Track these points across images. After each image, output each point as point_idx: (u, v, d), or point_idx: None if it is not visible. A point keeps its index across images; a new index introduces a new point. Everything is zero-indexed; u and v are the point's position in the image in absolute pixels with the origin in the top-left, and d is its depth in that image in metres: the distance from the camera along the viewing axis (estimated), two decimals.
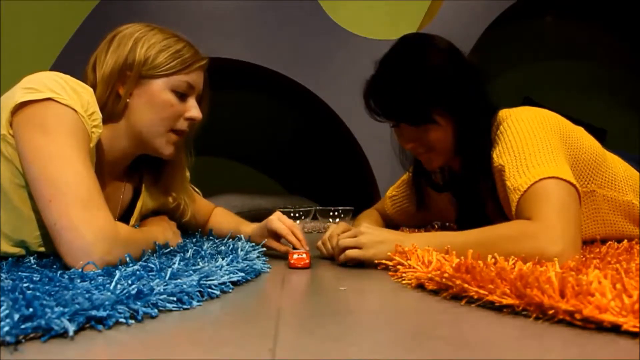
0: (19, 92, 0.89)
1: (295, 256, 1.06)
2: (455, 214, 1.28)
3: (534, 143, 0.97)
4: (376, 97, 1.11)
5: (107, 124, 1.00)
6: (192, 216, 1.31)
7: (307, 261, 1.04)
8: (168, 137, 1.06)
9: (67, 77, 0.94)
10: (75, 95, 0.91)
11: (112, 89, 1.01)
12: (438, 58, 1.08)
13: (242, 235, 1.24)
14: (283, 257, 1.17)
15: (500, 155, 1.00)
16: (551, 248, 0.82)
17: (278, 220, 1.16)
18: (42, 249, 0.97)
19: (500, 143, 1.02)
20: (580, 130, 1.09)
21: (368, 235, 0.97)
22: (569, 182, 0.91)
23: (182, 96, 1.05)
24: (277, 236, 1.18)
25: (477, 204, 1.17)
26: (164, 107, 1.03)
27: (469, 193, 1.19)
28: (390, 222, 1.48)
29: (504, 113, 1.08)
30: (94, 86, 1.01)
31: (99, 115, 0.95)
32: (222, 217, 1.38)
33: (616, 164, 1.14)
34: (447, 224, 1.49)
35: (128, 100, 1.02)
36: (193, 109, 1.06)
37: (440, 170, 1.26)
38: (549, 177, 0.90)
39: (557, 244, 0.83)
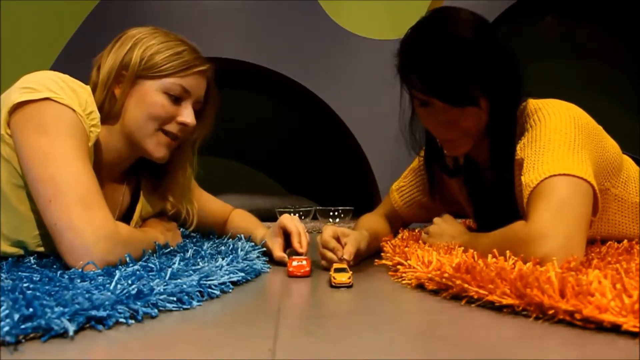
0: (16, 92, 0.88)
1: (294, 263, 0.97)
2: (470, 205, 1.24)
3: (558, 139, 0.94)
4: (422, 73, 1.00)
5: (104, 125, 0.99)
6: (205, 220, 1.28)
7: (308, 269, 0.96)
8: (158, 139, 1.03)
9: (65, 76, 0.94)
10: (74, 94, 0.91)
11: (108, 90, 1.01)
12: (486, 36, 1.00)
13: (242, 235, 1.23)
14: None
15: (523, 149, 0.97)
16: (538, 250, 0.81)
17: (290, 218, 1.13)
18: (41, 249, 0.97)
19: (526, 136, 0.99)
20: (602, 130, 1.07)
21: (435, 226, 1.10)
22: (583, 179, 0.88)
23: (176, 99, 1.02)
24: (284, 235, 1.13)
25: (494, 195, 1.13)
26: (153, 106, 1.00)
27: (487, 182, 1.15)
28: (395, 223, 1.37)
29: (535, 104, 1.03)
30: (95, 86, 1.01)
31: (97, 114, 0.95)
32: (238, 221, 1.32)
33: (628, 166, 1.13)
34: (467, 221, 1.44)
35: (124, 101, 1.01)
36: (186, 114, 1.03)
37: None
38: (560, 174, 0.87)
39: (543, 246, 0.81)
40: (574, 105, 1.04)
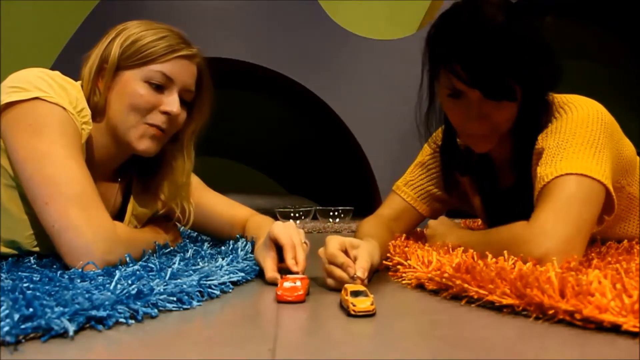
0: (4, 92, 0.87)
1: (286, 284, 0.76)
2: (480, 204, 1.20)
3: (582, 134, 0.92)
4: (466, 61, 0.92)
5: (93, 122, 0.96)
6: (206, 221, 1.20)
7: (302, 292, 0.74)
8: (143, 131, 0.97)
9: (54, 73, 0.92)
10: (63, 92, 0.90)
11: (92, 84, 0.97)
12: (530, 26, 0.96)
13: (239, 235, 1.21)
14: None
15: (545, 138, 0.95)
16: (536, 249, 0.80)
17: (283, 227, 0.91)
18: (36, 249, 0.96)
19: (550, 126, 0.97)
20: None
21: (429, 229, 1.11)
22: (599, 181, 0.86)
23: (158, 88, 0.97)
24: (277, 248, 0.92)
25: (506, 195, 1.11)
26: (132, 96, 0.95)
27: (502, 182, 1.12)
28: (405, 221, 1.24)
29: (560, 98, 1.02)
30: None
31: (88, 111, 0.93)
32: (252, 229, 1.15)
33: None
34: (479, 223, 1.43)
35: (107, 95, 0.97)
36: (169, 103, 0.97)
37: (464, 151, 1.14)
38: (575, 174, 0.86)
39: (541, 246, 0.80)
40: (595, 101, 1.02)
